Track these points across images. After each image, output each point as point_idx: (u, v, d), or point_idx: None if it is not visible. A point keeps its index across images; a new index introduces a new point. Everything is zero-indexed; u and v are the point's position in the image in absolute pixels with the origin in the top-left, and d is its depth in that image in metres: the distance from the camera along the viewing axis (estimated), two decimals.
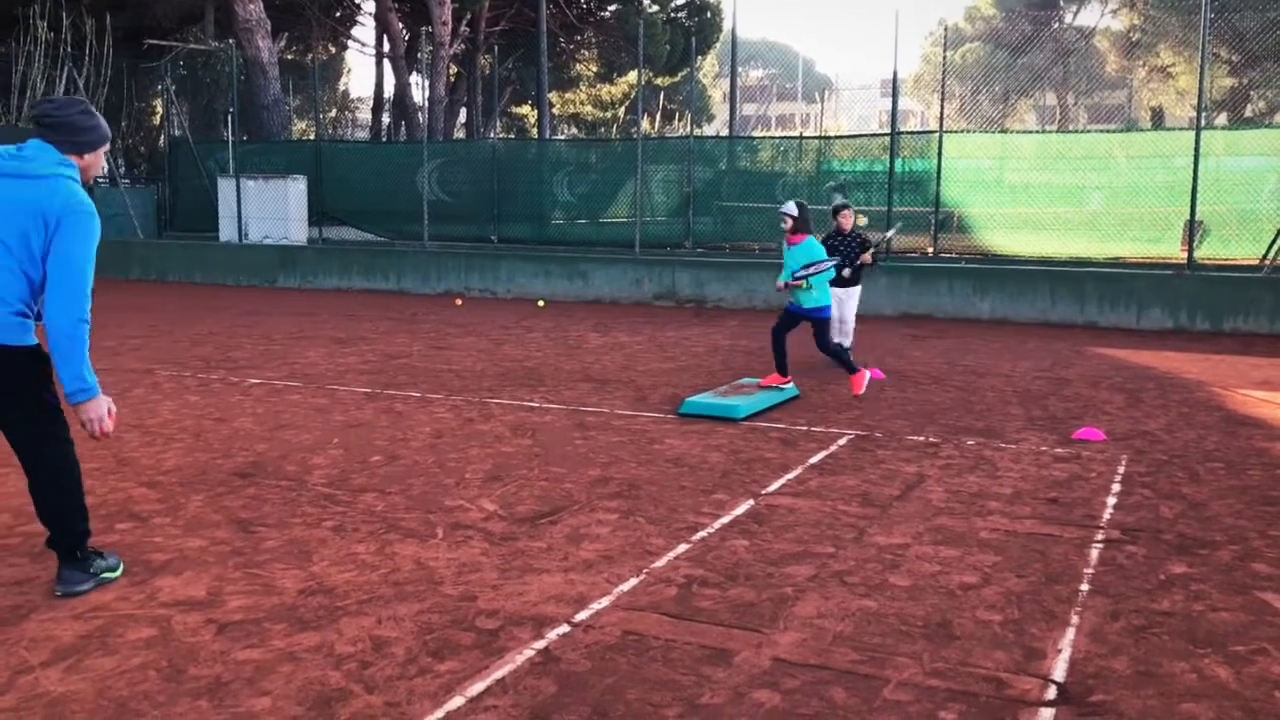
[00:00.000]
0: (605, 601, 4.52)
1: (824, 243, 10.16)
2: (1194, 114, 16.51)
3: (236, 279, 20.01)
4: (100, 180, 24.60)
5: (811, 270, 8.96)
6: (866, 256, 10.80)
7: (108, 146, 4.44)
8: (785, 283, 9.16)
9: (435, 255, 18.92)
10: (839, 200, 12.14)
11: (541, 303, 16.85)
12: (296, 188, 21.05)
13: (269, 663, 3.90)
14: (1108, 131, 23.30)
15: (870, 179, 19.85)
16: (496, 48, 28.92)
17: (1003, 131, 24.95)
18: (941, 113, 17.53)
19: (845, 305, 10.88)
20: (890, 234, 13.34)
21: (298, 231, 20.99)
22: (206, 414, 8.27)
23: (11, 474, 6.41)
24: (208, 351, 11.40)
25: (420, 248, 19.50)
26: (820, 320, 9.21)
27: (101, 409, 4.26)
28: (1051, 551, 5.25)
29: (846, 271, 10.67)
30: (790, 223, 9.12)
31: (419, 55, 29.99)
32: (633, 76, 37.01)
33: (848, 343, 10.85)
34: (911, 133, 20.59)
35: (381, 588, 4.65)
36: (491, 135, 24.01)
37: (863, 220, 12.66)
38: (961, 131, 19.20)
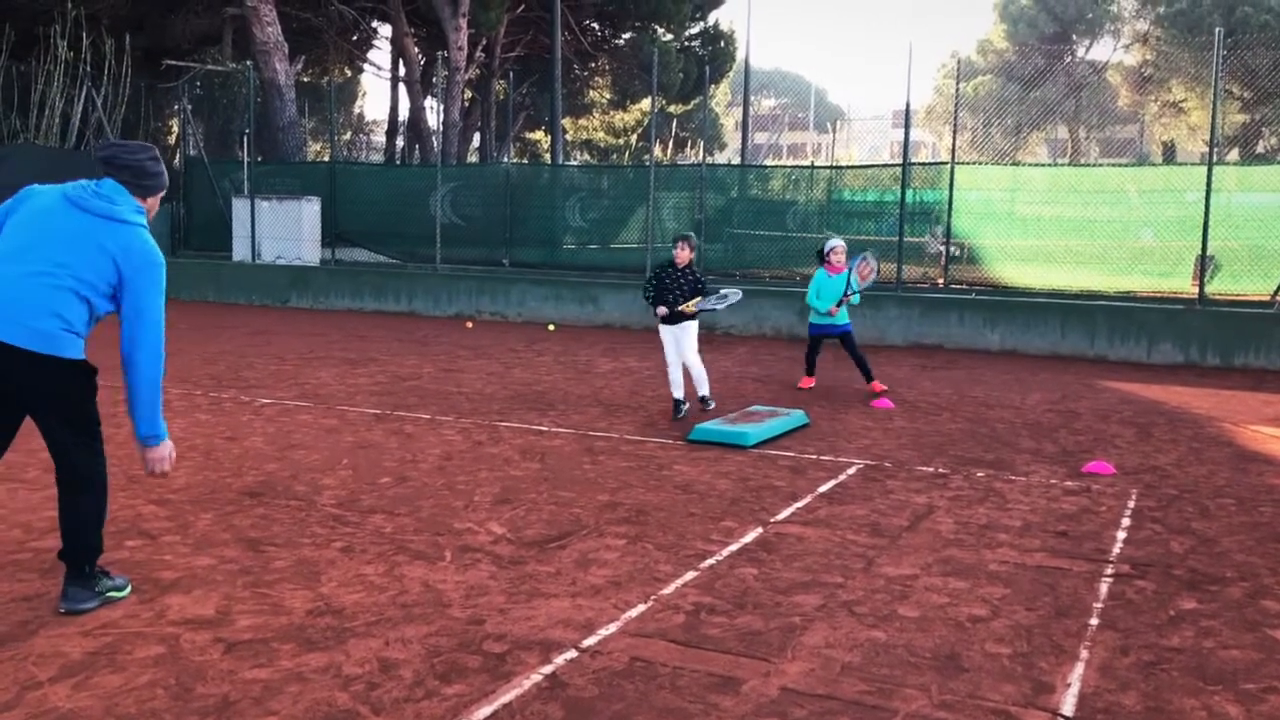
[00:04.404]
0: (613, 627, 4.51)
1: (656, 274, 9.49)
2: (1206, 149, 16.54)
3: (249, 298, 20.10)
4: None
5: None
6: (688, 305, 9.33)
7: (164, 193, 4.71)
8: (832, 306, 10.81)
9: (447, 278, 18.99)
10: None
11: (552, 326, 16.89)
12: (310, 209, 21.15)
13: (277, 682, 3.90)
14: (1120, 165, 23.32)
15: (881, 209, 19.89)
16: (511, 73, 29.13)
17: (1014, 164, 25.02)
18: (954, 144, 17.56)
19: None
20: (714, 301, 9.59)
21: (311, 252, 21.07)
22: (217, 432, 8.29)
23: (21, 489, 6.44)
24: (219, 370, 11.44)
25: (432, 270, 19.57)
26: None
27: (165, 451, 4.59)
28: (1061, 585, 5.23)
29: (662, 309, 9.35)
30: (842, 254, 10.79)
31: (434, 80, 30.20)
32: (646, 104, 37.24)
33: (704, 389, 9.61)
34: (923, 164, 20.63)
35: (390, 609, 4.65)
36: (505, 160, 24.15)
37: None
38: (973, 163, 19.23)
